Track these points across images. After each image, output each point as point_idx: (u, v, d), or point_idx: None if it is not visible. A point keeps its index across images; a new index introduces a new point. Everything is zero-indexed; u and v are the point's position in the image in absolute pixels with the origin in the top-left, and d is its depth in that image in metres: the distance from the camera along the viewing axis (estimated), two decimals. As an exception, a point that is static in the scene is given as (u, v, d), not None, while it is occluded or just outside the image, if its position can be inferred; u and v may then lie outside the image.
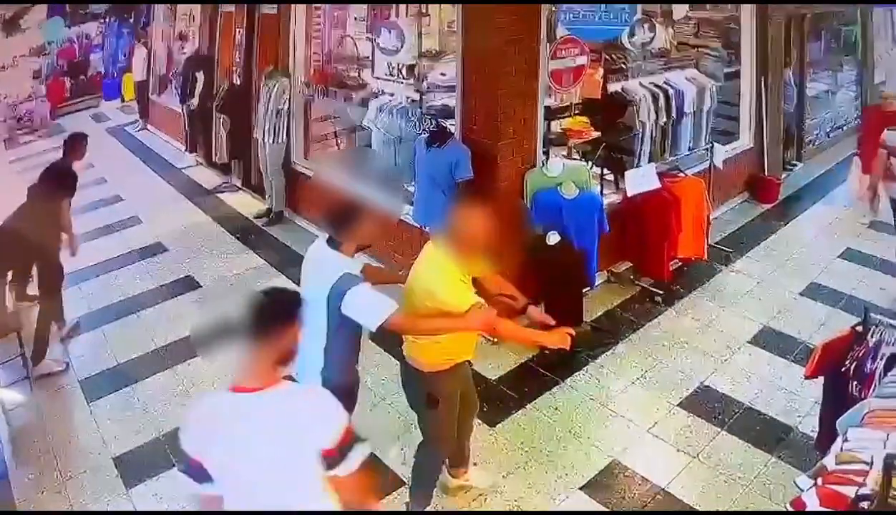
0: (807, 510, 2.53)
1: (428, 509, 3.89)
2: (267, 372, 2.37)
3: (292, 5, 7.96)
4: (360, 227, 3.31)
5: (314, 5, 8.13)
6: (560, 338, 3.32)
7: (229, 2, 9.23)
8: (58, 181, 5.47)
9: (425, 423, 3.63)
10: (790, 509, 2.62)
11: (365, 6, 8.15)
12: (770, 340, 5.43)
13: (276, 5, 8.20)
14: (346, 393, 3.48)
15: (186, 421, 2.41)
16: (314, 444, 2.35)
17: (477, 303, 3.15)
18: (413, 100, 6.64)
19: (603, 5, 5.66)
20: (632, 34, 6.96)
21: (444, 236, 3.25)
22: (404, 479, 4.11)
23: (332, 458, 2.37)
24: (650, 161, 6.86)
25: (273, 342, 2.35)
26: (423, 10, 7.35)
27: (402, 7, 7.63)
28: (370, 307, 3.21)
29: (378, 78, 7.22)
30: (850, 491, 2.45)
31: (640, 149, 6.93)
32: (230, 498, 2.42)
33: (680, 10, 7.93)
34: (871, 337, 3.45)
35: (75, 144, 5.76)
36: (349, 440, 2.40)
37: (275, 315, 2.39)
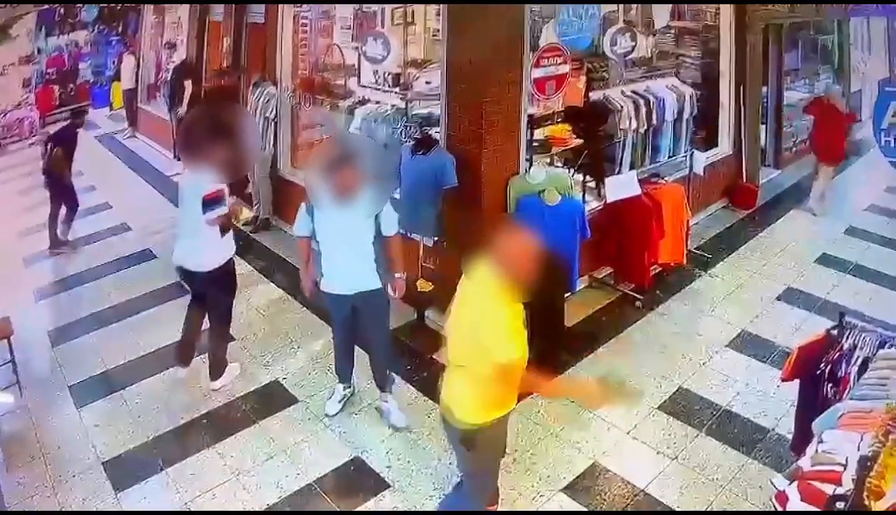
0: (787, 508, 2.64)
1: (424, 509, 3.99)
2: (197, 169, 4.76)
3: (279, 14, 8.02)
4: None
5: (301, 14, 8.20)
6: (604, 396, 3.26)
7: (225, 1, 9.27)
8: None
9: (464, 464, 3.49)
10: (776, 504, 2.72)
11: (350, 14, 8.23)
12: (747, 344, 5.54)
13: (262, 14, 8.27)
14: None
15: None
16: (201, 191, 4.61)
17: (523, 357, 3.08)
18: (399, 109, 6.68)
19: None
20: (613, 43, 7.06)
21: (493, 264, 3.14)
22: (389, 482, 4.21)
23: (206, 204, 4.61)
24: (631, 168, 6.97)
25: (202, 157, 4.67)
26: (409, 19, 7.43)
27: (388, 16, 7.71)
28: None
29: (364, 86, 7.27)
30: (828, 488, 2.56)
31: (622, 156, 7.03)
32: None
33: (661, 20, 8.03)
34: (846, 340, 3.54)
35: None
36: (218, 196, 4.68)
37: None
